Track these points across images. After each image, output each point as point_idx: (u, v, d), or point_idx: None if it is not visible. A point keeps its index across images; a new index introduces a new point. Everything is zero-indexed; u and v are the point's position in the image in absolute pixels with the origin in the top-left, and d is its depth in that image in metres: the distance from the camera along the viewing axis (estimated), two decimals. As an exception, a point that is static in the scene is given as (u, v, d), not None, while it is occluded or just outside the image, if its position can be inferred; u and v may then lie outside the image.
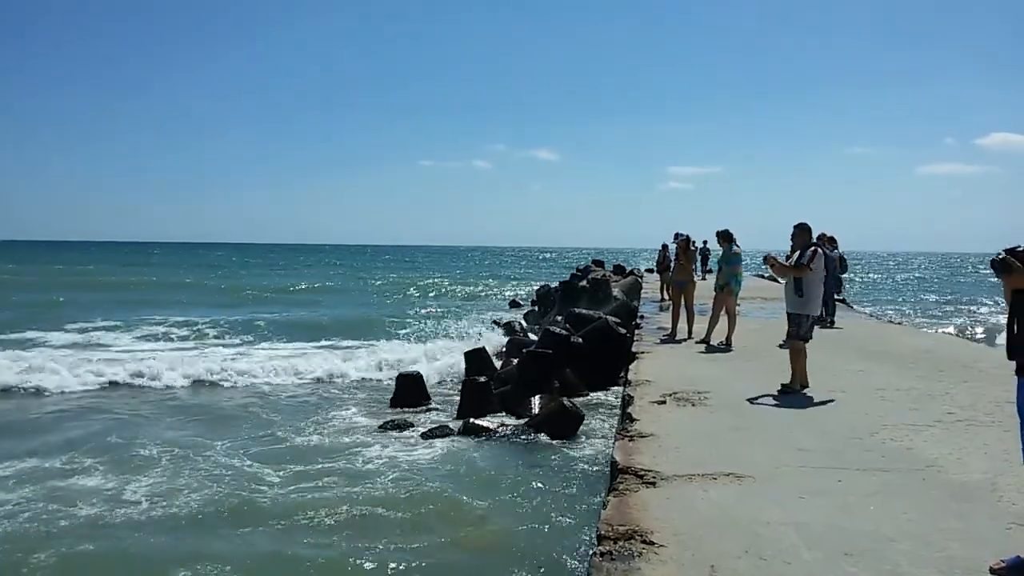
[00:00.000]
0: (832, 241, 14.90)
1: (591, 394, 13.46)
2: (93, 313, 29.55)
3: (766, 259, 8.54)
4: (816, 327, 14.15)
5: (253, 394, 15.07)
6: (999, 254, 3.06)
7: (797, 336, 8.18)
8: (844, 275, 16.11)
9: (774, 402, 7.66)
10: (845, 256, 15.65)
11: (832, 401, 7.65)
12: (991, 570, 3.65)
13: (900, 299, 45.34)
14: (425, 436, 10.84)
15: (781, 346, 10.01)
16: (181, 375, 16.33)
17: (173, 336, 24.61)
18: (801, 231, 8.42)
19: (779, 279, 9.03)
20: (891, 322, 18.30)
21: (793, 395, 7.92)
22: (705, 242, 24.23)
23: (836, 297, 15.43)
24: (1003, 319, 3.28)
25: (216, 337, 24.35)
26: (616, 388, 13.36)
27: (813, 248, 8.21)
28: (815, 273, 8.12)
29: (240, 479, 9.12)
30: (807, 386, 8.17)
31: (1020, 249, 3.10)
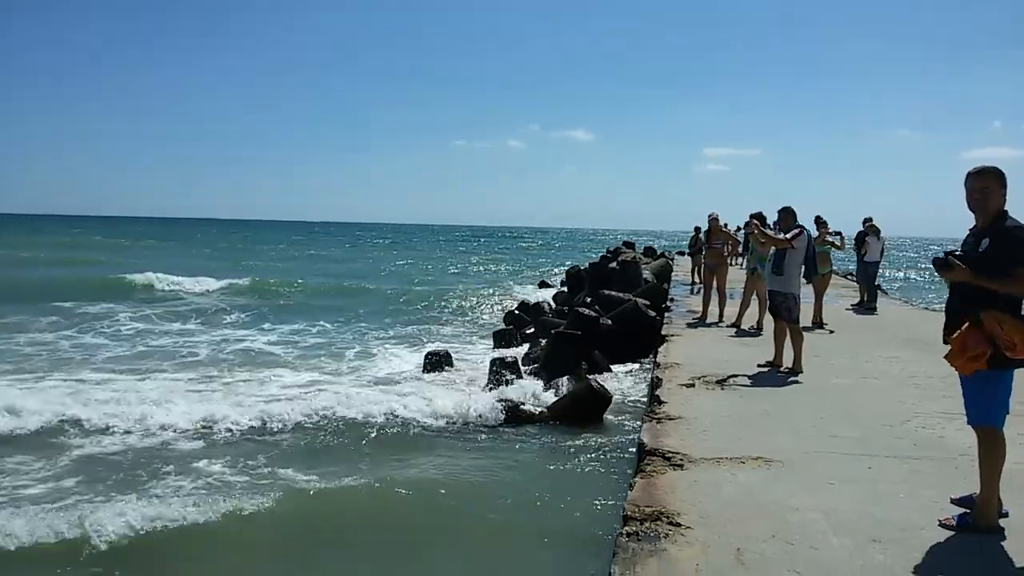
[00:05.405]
0: (873, 228, 14.75)
1: (615, 369, 13.25)
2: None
3: (748, 222, 8.73)
4: (856, 312, 14.24)
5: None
6: (944, 255, 3.75)
7: (791, 319, 8.37)
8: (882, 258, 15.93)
9: (804, 387, 7.62)
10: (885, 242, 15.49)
11: (864, 387, 7.58)
12: (940, 523, 4.02)
13: (934, 285, 44.45)
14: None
15: (808, 329, 10.04)
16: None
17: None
18: (786, 215, 8.86)
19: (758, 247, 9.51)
20: (926, 308, 17.99)
21: (773, 373, 8.27)
22: (740, 226, 23.94)
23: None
24: None
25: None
26: (636, 364, 13.26)
27: (798, 228, 8.56)
28: (795, 252, 8.42)
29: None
30: (781, 366, 8.44)
31: (958, 253, 3.80)
